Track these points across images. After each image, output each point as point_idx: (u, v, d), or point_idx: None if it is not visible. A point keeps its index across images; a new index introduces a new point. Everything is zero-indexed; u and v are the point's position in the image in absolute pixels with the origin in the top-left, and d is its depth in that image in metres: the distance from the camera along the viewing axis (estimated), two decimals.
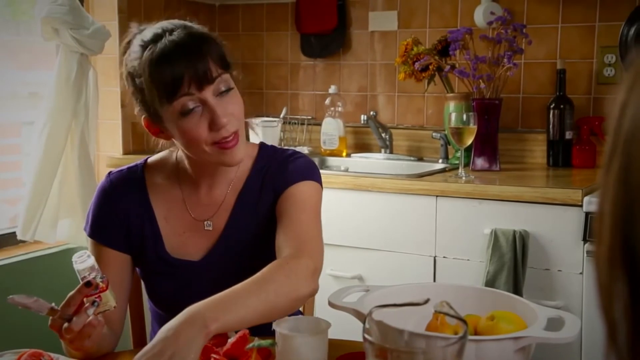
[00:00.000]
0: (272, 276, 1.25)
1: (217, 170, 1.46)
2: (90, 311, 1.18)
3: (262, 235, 1.47)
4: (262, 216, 1.48)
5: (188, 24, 1.38)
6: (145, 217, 1.48)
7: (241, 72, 1.48)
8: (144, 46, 1.34)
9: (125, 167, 1.53)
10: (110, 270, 1.41)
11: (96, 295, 1.19)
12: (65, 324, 1.20)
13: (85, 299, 1.20)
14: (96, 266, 1.23)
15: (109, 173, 1.52)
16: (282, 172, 1.47)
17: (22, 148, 2.89)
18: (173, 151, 1.52)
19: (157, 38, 1.34)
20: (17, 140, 2.90)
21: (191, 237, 1.48)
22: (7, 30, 2.73)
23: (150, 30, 1.37)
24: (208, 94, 1.33)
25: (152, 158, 1.54)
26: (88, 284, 1.19)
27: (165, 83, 1.31)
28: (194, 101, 1.33)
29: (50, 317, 1.21)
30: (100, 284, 1.20)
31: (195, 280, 1.47)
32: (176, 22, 1.38)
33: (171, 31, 1.34)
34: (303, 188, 1.45)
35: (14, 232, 2.64)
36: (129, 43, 1.39)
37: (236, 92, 1.39)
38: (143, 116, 1.41)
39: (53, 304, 1.21)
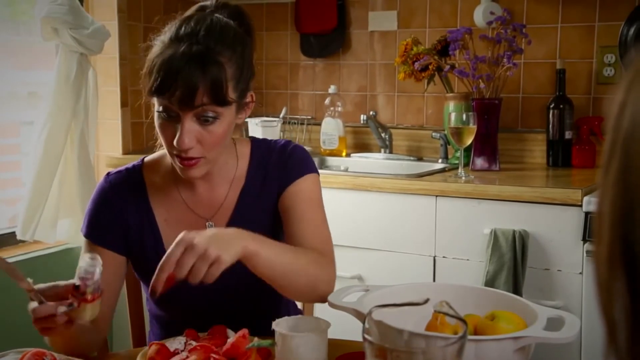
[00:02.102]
0: (310, 253, 1.38)
1: (211, 171, 1.45)
2: (61, 309, 1.15)
3: (267, 231, 1.46)
4: (268, 211, 1.49)
5: (221, 36, 1.34)
6: (145, 219, 1.47)
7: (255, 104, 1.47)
8: (172, 38, 1.34)
9: (123, 167, 1.52)
10: (103, 271, 1.41)
11: (77, 301, 1.16)
12: (35, 304, 1.18)
13: (70, 295, 1.17)
14: (97, 276, 1.19)
15: (108, 174, 1.51)
16: (284, 167, 1.49)
17: (21, 148, 2.90)
18: None
19: (182, 38, 1.33)
20: (17, 140, 2.90)
21: None
22: (7, 30, 2.73)
23: (189, 24, 1.35)
24: (185, 113, 1.32)
25: (149, 157, 1.53)
26: (77, 287, 1.17)
27: (157, 82, 1.31)
28: (170, 109, 1.33)
29: (28, 293, 1.18)
30: (89, 295, 1.17)
31: None
32: (217, 26, 1.35)
33: (196, 38, 1.32)
34: (308, 183, 1.48)
35: (14, 232, 2.64)
36: (177, 19, 1.38)
37: (223, 124, 1.35)
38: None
39: (30, 280, 1.18)
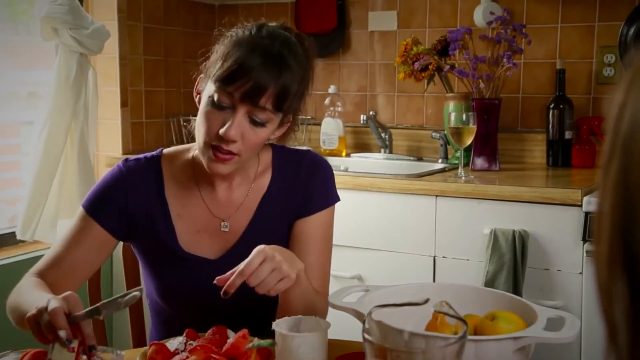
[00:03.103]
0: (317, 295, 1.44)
1: (234, 172, 1.45)
2: (62, 334, 1.10)
3: (284, 244, 1.45)
4: (286, 225, 1.50)
5: (294, 51, 1.37)
6: (159, 211, 1.46)
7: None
8: (252, 33, 1.36)
9: (142, 156, 1.51)
10: (88, 246, 1.42)
11: (74, 348, 1.11)
12: (57, 305, 1.12)
13: (79, 340, 1.12)
14: None
15: (126, 159, 1.50)
16: (311, 191, 1.51)
17: (21, 148, 2.90)
18: (193, 147, 1.50)
19: (263, 37, 1.35)
20: (17, 140, 2.90)
21: (205, 236, 1.47)
22: (7, 30, 2.73)
23: (268, 29, 1.37)
24: (243, 108, 1.33)
25: (168, 150, 1.53)
26: (91, 348, 1.12)
27: (230, 70, 1.32)
28: (227, 100, 1.34)
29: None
30: (81, 358, 1.13)
31: (210, 278, 1.45)
32: (291, 40, 1.38)
33: (275, 42, 1.35)
34: (328, 217, 1.54)
35: (14, 232, 2.64)
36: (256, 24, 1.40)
37: (267, 131, 1.37)
38: (200, 75, 1.43)
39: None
